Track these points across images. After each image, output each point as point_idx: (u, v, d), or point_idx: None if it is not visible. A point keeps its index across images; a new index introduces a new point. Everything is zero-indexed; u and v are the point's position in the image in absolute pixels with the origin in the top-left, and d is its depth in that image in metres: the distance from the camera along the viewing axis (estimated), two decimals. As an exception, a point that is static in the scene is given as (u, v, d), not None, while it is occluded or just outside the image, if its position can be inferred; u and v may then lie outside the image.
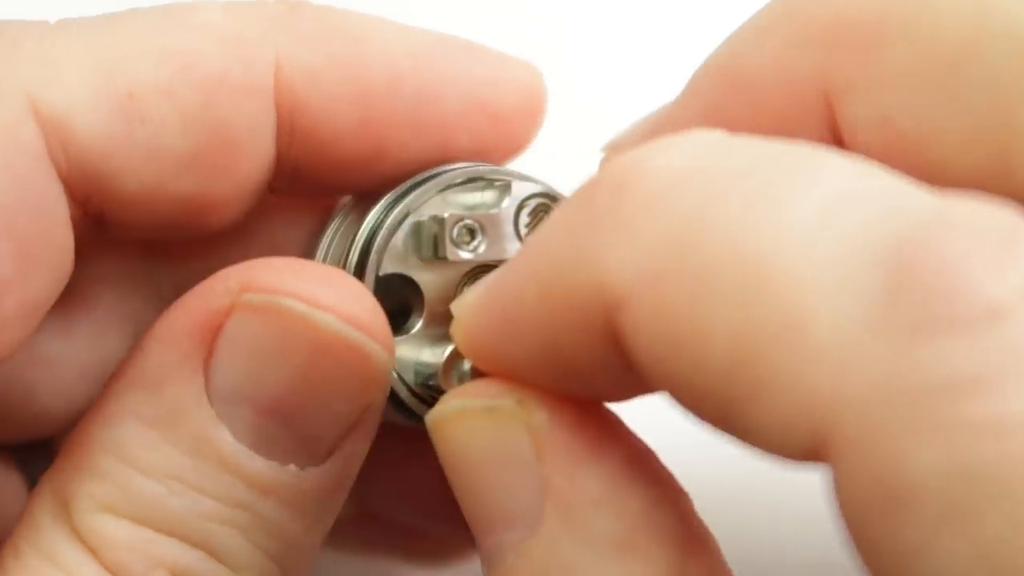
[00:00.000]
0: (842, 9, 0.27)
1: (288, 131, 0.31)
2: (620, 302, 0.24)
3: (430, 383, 0.30)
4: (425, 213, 0.31)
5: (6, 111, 0.28)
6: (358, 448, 0.29)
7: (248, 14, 0.30)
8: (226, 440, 0.28)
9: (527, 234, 0.30)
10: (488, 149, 0.32)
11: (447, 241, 0.30)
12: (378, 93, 0.31)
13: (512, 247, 0.30)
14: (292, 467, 0.29)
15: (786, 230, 0.23)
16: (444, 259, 0.30)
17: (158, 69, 0.29)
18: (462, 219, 0.30)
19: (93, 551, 0.28)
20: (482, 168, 0.31)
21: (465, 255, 0.30)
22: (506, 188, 0.31)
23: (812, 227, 0.23)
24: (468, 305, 0.28)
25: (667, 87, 0.32)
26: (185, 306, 0.29)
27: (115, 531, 0.28)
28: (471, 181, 0.31)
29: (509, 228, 0.31)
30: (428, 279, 0.31)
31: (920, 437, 0.21)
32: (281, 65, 0.30)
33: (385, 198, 0.31)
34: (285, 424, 0.28)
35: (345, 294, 0.28)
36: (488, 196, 0.31)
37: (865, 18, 0.27)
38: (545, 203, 0.31)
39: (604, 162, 0.32)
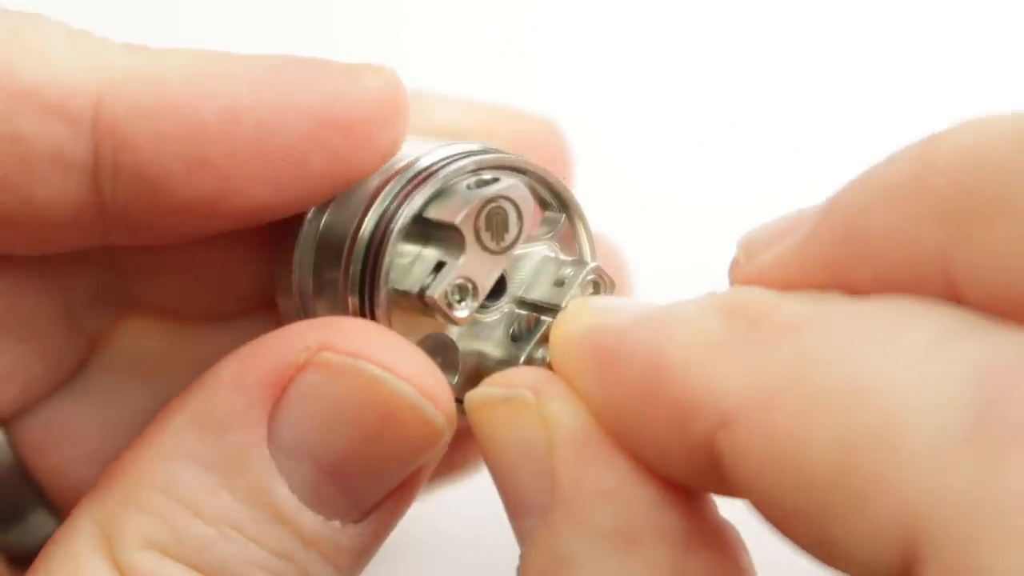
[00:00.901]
0: (973, 185, 0.26)
1: (110, 168, 0.29)
2: (727, 420, 0.26)
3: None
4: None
5: None
6: (400, 508, 0.30)
7: (87, 44, 0.29)
8: (283, 492, 0.28)
9: (494, 243, 0.31)
10: (350, 163, 0.30)
11: (448, 307, 0.31)
12: (213, 132, 0.29)
13: (497, 265, 0.31)
14: (336, 523, 0.29)
15: (890, 361, 0.25)
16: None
17: None
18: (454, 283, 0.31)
19: None
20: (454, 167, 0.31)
21: (466, 313, 0.31)
22: (452, 219, 0.31)
23: (914, 359, 0.25)
24: (578, 319, 0.30)
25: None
26: (257, 354, 0.29)
27: (159, 569, 0.28)
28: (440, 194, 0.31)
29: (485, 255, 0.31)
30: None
31: (1005, 543, 0.22)
32: (103, 98, 0.29)
33: (368, 206, 0.31)
34: (340, 483, 0.29)
35: (419, 365, 0.29)
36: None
37: (993, 195, 0.26)
38: (497, 207, 0.31)
39: (736, 269, 0.30)
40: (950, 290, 0.27)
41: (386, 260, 0.30)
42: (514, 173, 0.31)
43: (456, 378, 0.31)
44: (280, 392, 0.28)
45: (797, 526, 0.25)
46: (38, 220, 0.30)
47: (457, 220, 0.30)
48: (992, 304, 0.26)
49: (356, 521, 0.29)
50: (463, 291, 0.31)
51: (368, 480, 0.29)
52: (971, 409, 0.24)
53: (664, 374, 0.27)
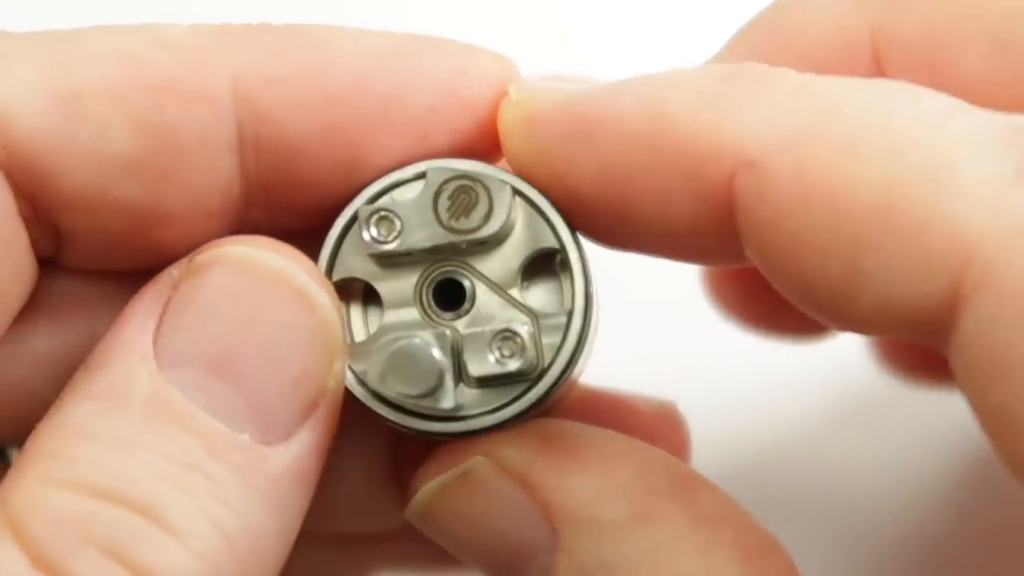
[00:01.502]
0: None
1: (252, 144, 0.29)
2: (753, 159, 0.27)
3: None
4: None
5: None
6: (317, 438, 0.29)
7: (208, 30, 0.30)
8: (176, 397, 0.27)
9: (448, 218, 0.30)
10: (470, 142, 0.30)
11: (364, 235, 0.30)
12: (344, 97, 0.29)
13: (436, 233, 0.30)
14: (246, 436, 0.28)
15: (923, 113, 0.26)
16: (390, 260, 0.30)
17: (105, 70, 0.28)
18: (377, 211, 0.30)
19: (13, 528, 0.26)
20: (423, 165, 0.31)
21: (379, 248, 0.30)
22: (421, 174, 0.30)
23: (942, 116, 0.26)
24: (537, 99, 0.30)
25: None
26: (140, 294, 0.29)
27: (47, 506, 0.26)
28: (393, 186, 0.31)
29: (429, 214, 0.30)
30: (385, 284, 0.31)
31: None
32: (239, 75, 0.29)
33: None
34: (235, 383, 0.28)
35: (287, 250, 0.29)
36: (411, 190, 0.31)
37: None
38: (465, 184, 0.30)
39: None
40: (876, 67, 0.28)
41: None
42: (521, 199, 0.30)
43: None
44: (161, 311, 0.28)
45: (820, 266, 0.26)
46: (195, 210, 0.30)
47: (427, 168, 0.30)
48: (918, 78, 0.27)
49: (271, 444, 0.28)
50: (386, 222, 0.30)
51: (264, 380, 0.28)
52: (1012, 156, 0.25)
53: (669, 126, 0.28)
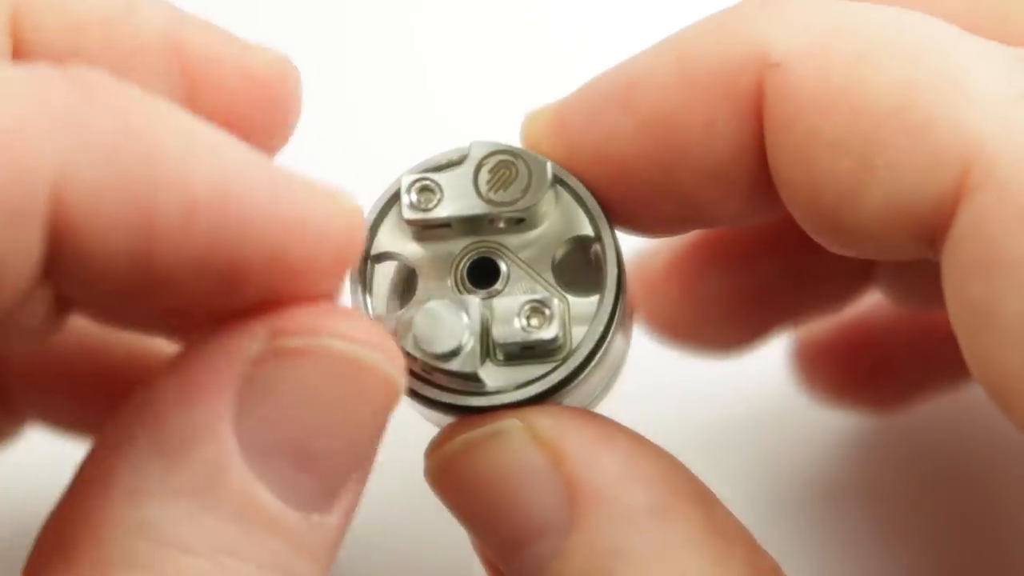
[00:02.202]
0: None
1: (52, 256, 0.25)
2: (778, 63, 0.28)
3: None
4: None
5: None
6: (360, 489, 0.28)
7: (32, 100, 0.24)
8: (266, 497, 0.26)
9: (488, 191, 0.30)
10: (283, 296, 0.27)
11: (404, 201, 0.30)
12: (166, 225, 0.25)
13: (474, 204, 0.30)
14: (315, 516, 0.27)
15: (937, 31, 0.28)
16: (427, 233, 0.31)
17: None
18: (419, 180, 0.30)
19: None
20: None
21: (418, 215, 0.30)
22: (465, 152, 0.31)
23: (955, 33, 0.28)
24: (554, 101, 0.30)
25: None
26: (204, 362, 0.26)
27: None
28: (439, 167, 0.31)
29: (469, 187, 0.30)
30: (421, 260, 0.31)
31: None
32: (61, 180, 0.24)
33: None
34: (313, 470, 0.27)
35: (369, 328, 0.27)
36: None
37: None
38: (506, 159, 0.30)
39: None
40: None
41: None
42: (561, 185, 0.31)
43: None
44: (241, 393, 0.26)
45: (832, 164, 0.27)
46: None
47: (471, 143, 0.31)
48: None
49: (327, 510, 0.27)
50: (426, 191, 0.30)
51: (337, 460, 0.27)
52: (1021, 75, 0.27)
53: (697, 55, 0.29)
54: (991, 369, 0.26)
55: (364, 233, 0.30)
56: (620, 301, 0.30)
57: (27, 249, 0.24)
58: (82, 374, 0.37)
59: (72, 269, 0.25)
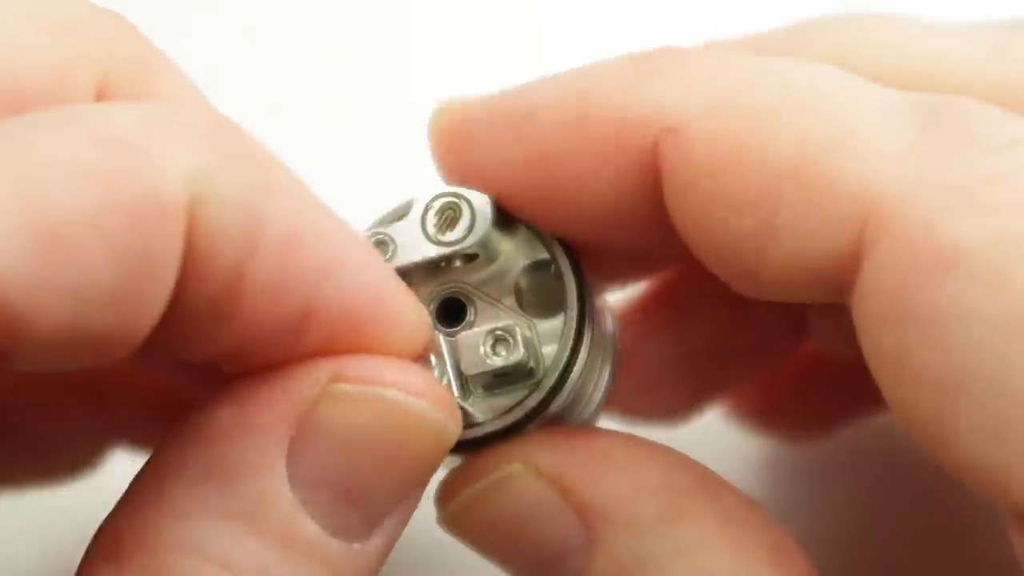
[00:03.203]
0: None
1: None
2: (674, 125, 0.28)
3: None
4: None
5: None
6: (407, 516, 0.29)
7: (165, 125, 0.26)
8: (310, 527, 0.27)
9: (436, 234, 0.31)
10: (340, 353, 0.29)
11: None
12: (264, 249, 0.26)
13: (426, 249, 0.31)
14: (357, 545, 0.28)
15: (832, 83, 0.28)
16: None
17: (80, 194, 0.24)
18: (372, 236, 0.31)
19: None
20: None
21: None
22: (410, 203, 0.32)
23: (851, 83, 0.28)
24: (463, 104, 0.31)
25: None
26: (262, 397, 0.28)
27: None
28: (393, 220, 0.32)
29: (418, 233, 0.31)
30: None
31: (966, 212, 0.25)
32: (195, 192, 0.25)
33: None
34: (358, 505, 0.28)
35: (426, 380, 0.29)
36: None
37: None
38: (449, 200, 0.31)
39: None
40: None
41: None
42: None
43: None
44: (297, 429, 0.28)
45: (735, 224, 0.28)
46: (151, 328, 0.26)
47: (413, 196, 0.31)
48: None
49: (368, 538, 0.28)
50: (380, 245, 0.31)
51: (381, 497, 0.29)
52: (913, 124, 0.27)
53: (593, 103, 0.29)
54: (910, 416, 0.27)
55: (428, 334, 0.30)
56: (586, 315, 0.31)
57: (176, 245, 0.25)
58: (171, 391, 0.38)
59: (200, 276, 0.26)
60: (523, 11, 0.54)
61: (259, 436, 0.27)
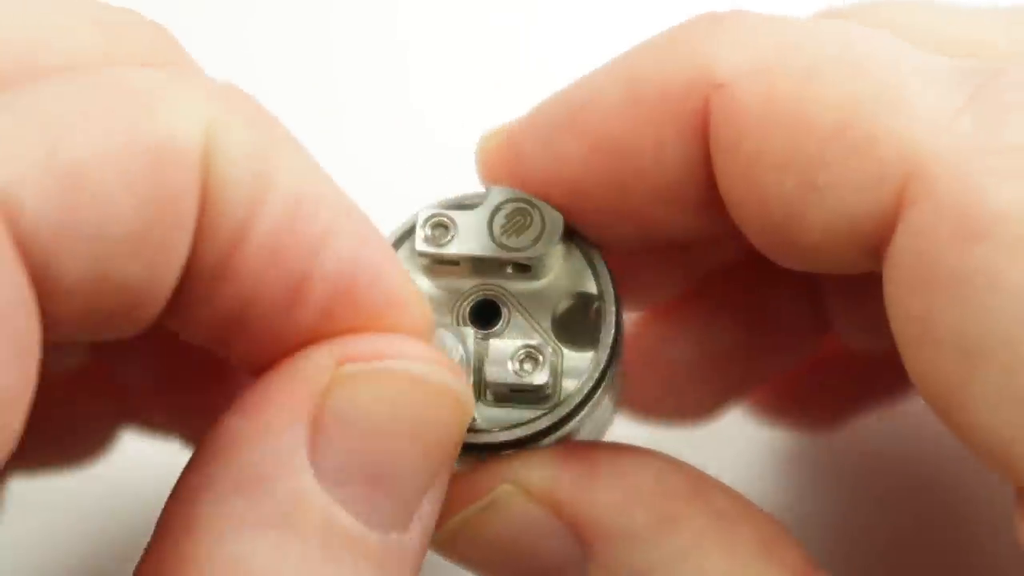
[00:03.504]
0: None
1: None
2: (723, 84, 0.28)
3: None
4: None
5: None
6: (437, 507, 0.28)
7: (184, 82, 0.26)
8: (348, 521, 0.26)
9: (500, 235, 0.31)
10: (336, 327, 0.28)
11: (418, 235, 0.31)
12: (268, 213, 0.26)
13: (485, 245, 0.31)
14: (395, 535, 0.27)
15: (880, 47, 0.28)
16: (436, 268, 0.32)
17: (102, 138, 0.25)
18: (435, 215, 0.31)
19: None
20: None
21: (430, 248, 0.31)
22: (485, 195, 0.32)
23: (898, 48, 0.28)
24: (507, 124, 0.31)
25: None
26: (272, 397, 0.27)
27: None
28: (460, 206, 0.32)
29: (483, 229, 0.31)
30: (429, 291, 0.32)
31: (1007, 178, 0.25)
32: (209, 146, 0.26)
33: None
34: (389, 489, 0.27)
35: (430, 349, 0.28)
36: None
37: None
38: (523, 207, 0.31)
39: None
40: None
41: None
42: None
43: None
44: (314, 422, 0.27)
45: (777, 183, 0.27)
46: (173, 284, 0.26)
47: (489, 189, 0.31)
48: None
49: (405, 528, 0.27)
50: (440, 227, 0.31)
51: (412, 478, 0.27)
52: (962, 88, 0.27)
53: (644, 76, 0.29)
54: (930, 381, 0.26)
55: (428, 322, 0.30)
56: (614, 361, 0.31)
57: (194, 191, 0.25)
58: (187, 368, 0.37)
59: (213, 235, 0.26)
60: (522, 11, 0.54)
61: (278, 438, 0.26)
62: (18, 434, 0.24)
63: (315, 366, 0.27)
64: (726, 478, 0.31)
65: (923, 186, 0.26)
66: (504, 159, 0.31)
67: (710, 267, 0.39)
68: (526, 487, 0.30)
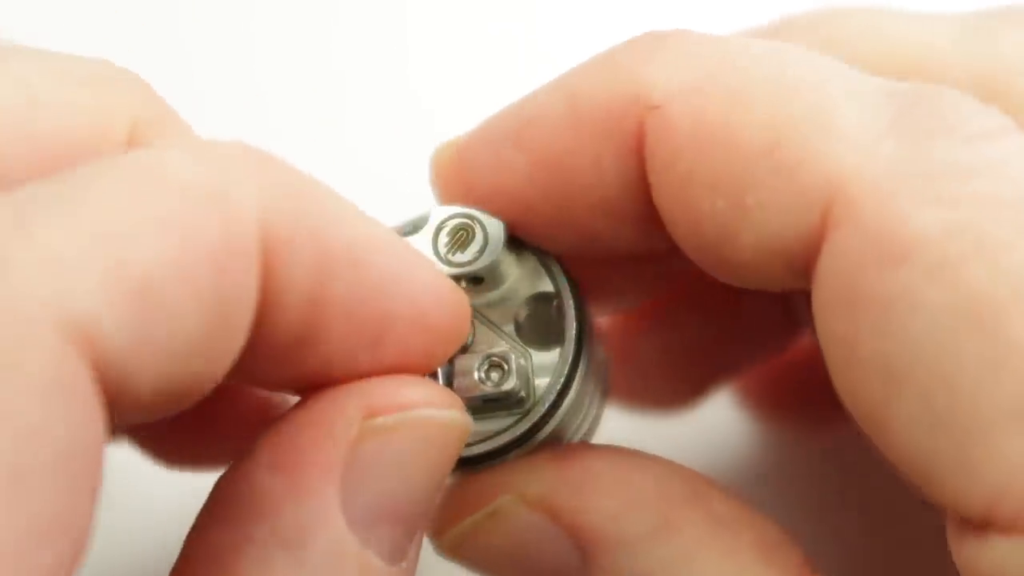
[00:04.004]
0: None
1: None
2: (658, 104, 0.28)
3: None
4: None
5: (44, 348, 0.23)
6: (423, 535, 0.30)
7: (222, 163, 0.26)
8: (377, 563, 0.28)
9: (446, 253, 0.32)
10: (414, 358, 0.29)
11: None
12: (336, 271, 0.27)
13: (436, 266, 0.31)
14: (403, 563, 0.28)
15: (811, 68, 0.28)
16: None
17: (165, 247, 0.24)
18: None
19: None
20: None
21: None
22: (425, 217, 0.32)
23: (829, 68, 0.28)
24: (457, 142, 0.31)
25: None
26: (305, 455, 0.27)
27: None
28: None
29: (429, 250, 0.32)
30: None
31: (928, 202, 0.26)
32: (265, 226, 0.26)
33: None
34: (407, 527, 0.28)
35: (439, 389, 0.29)
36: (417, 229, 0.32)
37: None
38: (463, 222, 0.32)
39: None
40: None
41: None
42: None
43: None
44: (345, 474, 0.27)
45: (708, 203, 0.28)
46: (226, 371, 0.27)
47: (429, 210, 0.32)
48: None
49: (408, 553, 0.29)
50: None
51: (420, 510, 0.29)
52: (889, 111, 0.27)
53: (585, 96, 0.30)
54: (856, 401, 0.27)
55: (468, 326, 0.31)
56: (583, 352, 0.32)
57: (253, 284, 0.26)
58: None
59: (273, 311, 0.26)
60: (523, 11, 0.54)
61: (313, 493, 0.27)
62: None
63: (342, 420, 0.28)
64: (724, 481, 0.32)
65: (846, 209, 0.26)
66: (455, 171, 0.32)
67: (681, 269, 0.38)
68: (525, 496, 0.31)
